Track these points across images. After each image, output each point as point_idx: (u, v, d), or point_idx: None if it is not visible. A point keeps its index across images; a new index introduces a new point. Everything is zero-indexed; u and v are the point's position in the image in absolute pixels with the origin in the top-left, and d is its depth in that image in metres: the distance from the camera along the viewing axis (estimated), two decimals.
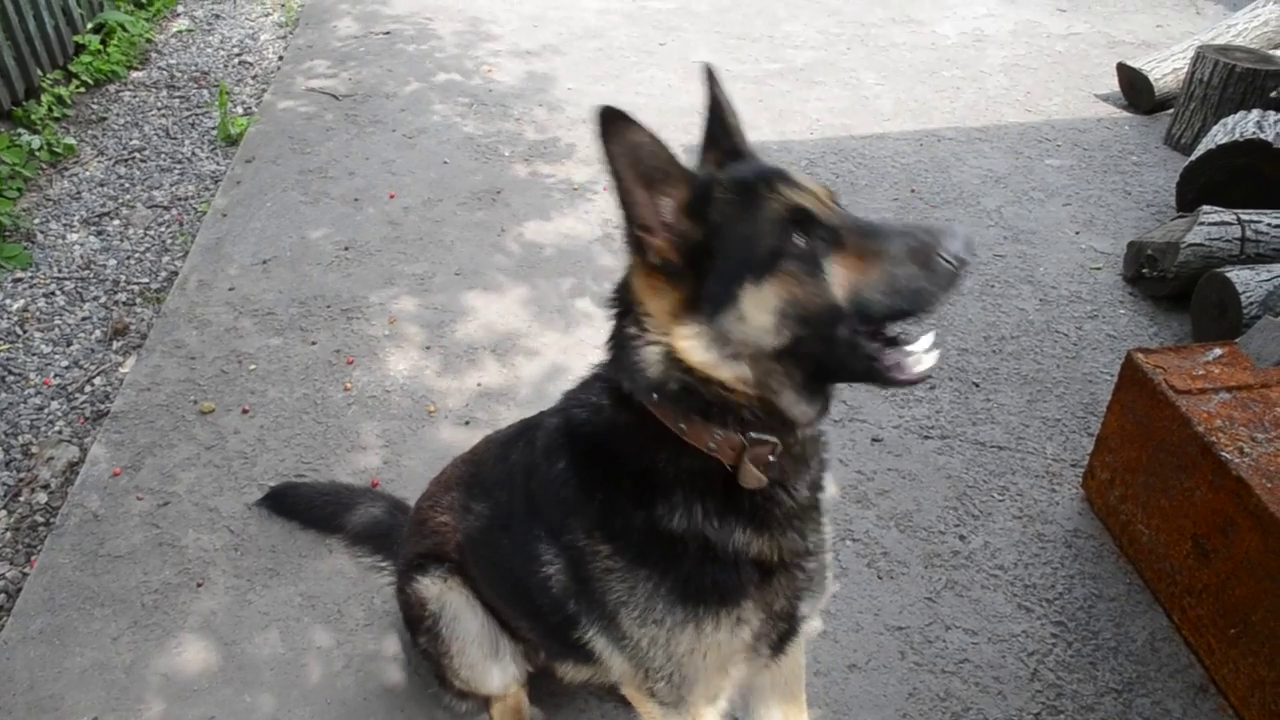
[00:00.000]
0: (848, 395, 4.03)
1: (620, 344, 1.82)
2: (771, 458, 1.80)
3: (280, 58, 7.25)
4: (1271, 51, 6.37)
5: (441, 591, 2.52)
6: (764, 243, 1.66)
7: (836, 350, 1.68)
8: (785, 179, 1.74)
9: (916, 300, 1.63)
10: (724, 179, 1.74)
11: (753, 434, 1.77)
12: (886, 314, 1.66)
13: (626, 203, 1.67)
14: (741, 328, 1.66)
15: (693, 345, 1.69)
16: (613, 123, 1.60)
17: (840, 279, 1.66)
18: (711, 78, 1.94)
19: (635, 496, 1.88)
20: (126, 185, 5.54)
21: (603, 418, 1.93)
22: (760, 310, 1.64)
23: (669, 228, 1.70)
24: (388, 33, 7.62)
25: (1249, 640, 2.83)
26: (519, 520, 2.20)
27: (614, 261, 4.92)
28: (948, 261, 1.61)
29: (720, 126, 1.93)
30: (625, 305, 1.81)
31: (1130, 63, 6.89)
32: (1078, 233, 5.32)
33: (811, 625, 2.17)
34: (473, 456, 2.63)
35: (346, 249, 4.93)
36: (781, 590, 1.97)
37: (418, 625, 2.58)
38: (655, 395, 1.76)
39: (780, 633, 2.04)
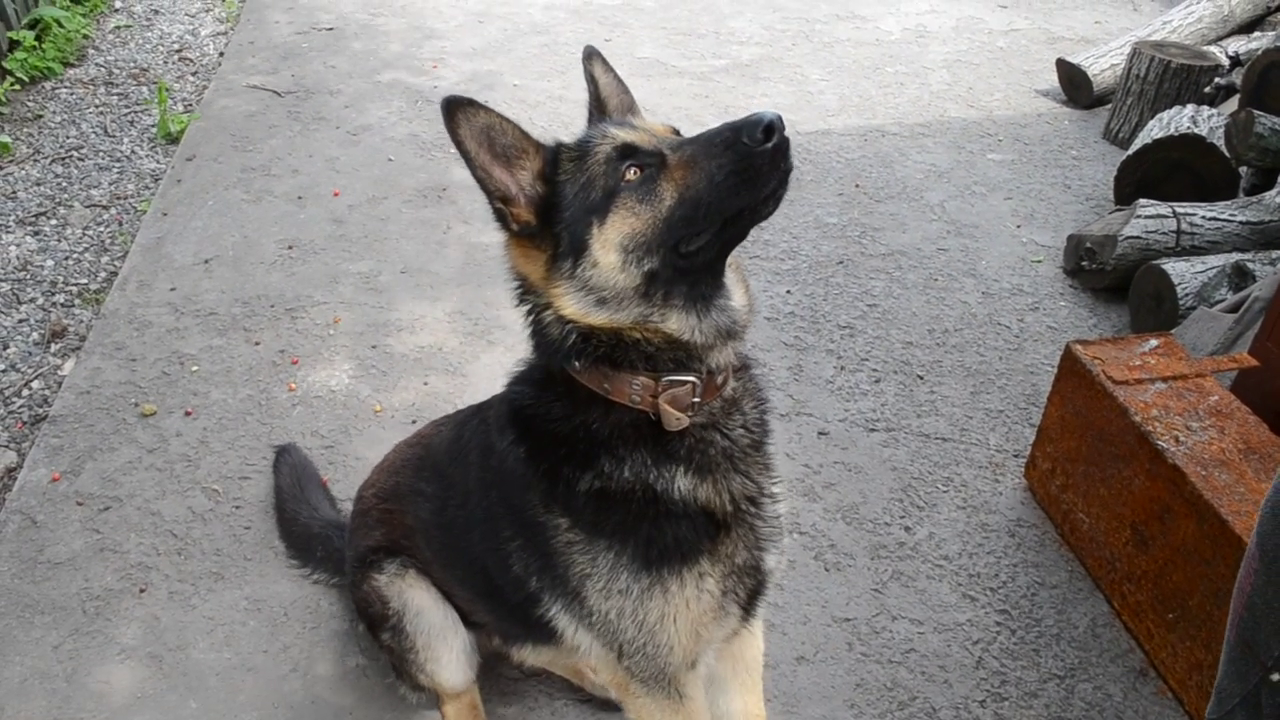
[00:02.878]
0: (794, 390, 4.06)
1: (529, 321, 1.91)
2: (696, 399, 1.85)
3: (221, 54, 7.15)
4: (1205, 48, 6.50)
5: (401, 588, 2.51)
6: (599, 185, 1.77)
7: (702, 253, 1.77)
8: (620, 124, 1.89)
9: (743, 185, 1.70)
10: (570, 141, 1.87)
11: (669, 377, 1.82)
12: (717, 207, 1.72)
13: (480, 178, 1.79)
14: (598, 272, 1.76)
15: (565, 300, 1.80)
16: (459, 108, 1.73)
17: (669, 194, 1.74)
18: (591, 57, 2.07)
19: (578, 460, 1.91)
20: (64, 184, 5.44)
21: (533, 391, 2.00)
22: (607, 250, 1.75)
23: (525, 194, 1.82)
24: (331, 29, 7.54)
25: (1186, 624, 2.89)
26: (476, 495, 2.20)
27: None
28: (748, 144, 1.68)
29: (596, 102, 2.06)
30: (520, 285, 1.92)
31: (1069, 58, 6.99)
32: (1019, 226, 5.39)
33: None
34: (419, 440, 2.61)
35: (290, 248, 4.88)
36: (741, 541, 2.00)
37: (379, 623, 2.55)
38: (577, 363, 1.84)
39: (748, 589, 2.06)
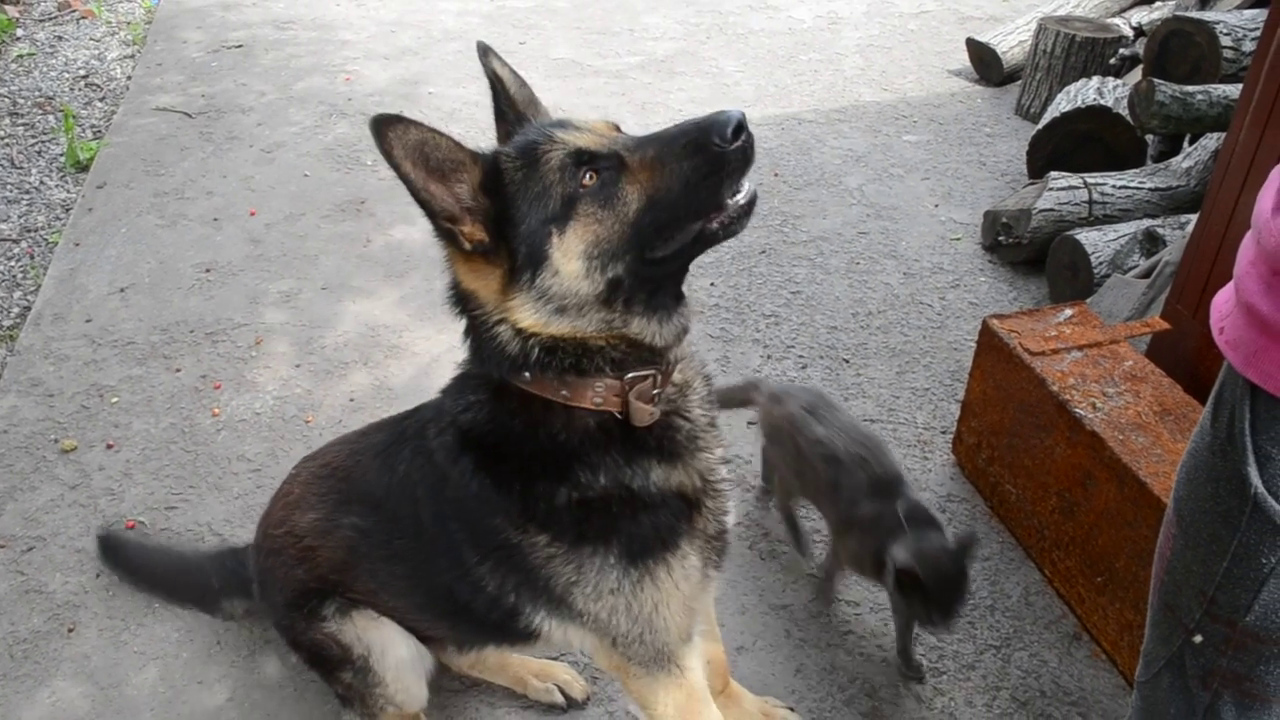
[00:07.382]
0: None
1: (474, 338, 1.87)
2: (656, 390, 1.87)
3: (129, 77, 7.01)
4: (1109, 20, 6.63)
5: (358, 631, 2.42)
6: (555, 192, 1.71)
7: (664, 254, 1.75)
8: (562, 126, 1.82)
9: (711, 187, 1.70)
10: (508, 148, 1.80)
11: (630, 375, 1.83)
12: (687, 208, 1.71)
13: (423, 200, 1.69)
14: (558, 281, 1.72)
15: (522, 312, 1.75)
16: (389, 127, 1.62)
17: (633, 198, 1.71)
18: (486, 55, 1.98)
19: (550, 474, 1.90)
20: None
21: (486, 412, 1.95)
22: (569, 258, 1.71)
23: (470, 211, 1.74)
24: (240, 46, 7.44)
25: (1115, 587, 2.95)
26: (432, 527, 2.14)
27: None
28: (720, 145, 1.66)
29: (505, 100, 1.98)
30: (462, 300, 1.86)
31: (978, 37, 7.09)
32: (937, 205, 5.46)
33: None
34: (330, 471, 2.48)
35: (208, 271, 4.81)
36: (710, 514, 2.05)
37: (339, 666, 2.45)
38: (526, 374, 1.81)
39: (717, 550, 2.11)
